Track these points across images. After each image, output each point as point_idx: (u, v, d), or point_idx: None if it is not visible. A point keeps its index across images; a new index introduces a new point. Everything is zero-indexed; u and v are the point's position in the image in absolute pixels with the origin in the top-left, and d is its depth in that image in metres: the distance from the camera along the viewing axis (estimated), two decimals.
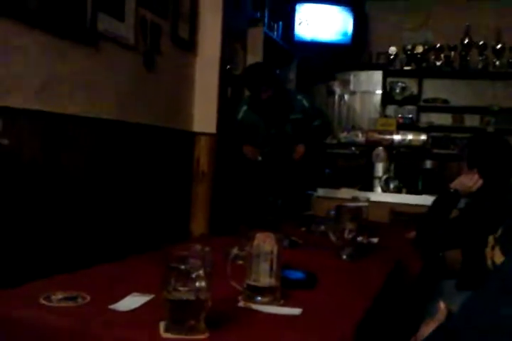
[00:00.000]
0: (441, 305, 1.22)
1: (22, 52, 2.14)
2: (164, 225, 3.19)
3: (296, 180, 3.69)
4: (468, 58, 5.55)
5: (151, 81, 3.06)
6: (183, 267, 1.07)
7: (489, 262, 2.04)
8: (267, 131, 3.63)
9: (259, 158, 3.60)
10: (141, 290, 1.33)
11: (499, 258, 1.99)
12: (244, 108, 3.65)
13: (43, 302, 1.22)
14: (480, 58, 5.50)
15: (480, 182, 2.27)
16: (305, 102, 3.68)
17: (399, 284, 1.98)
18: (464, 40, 5.54)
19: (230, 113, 3.68)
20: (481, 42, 5.47)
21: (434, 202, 2.35)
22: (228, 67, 3.76)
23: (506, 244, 1.99)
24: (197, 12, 3.52)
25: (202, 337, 1.07)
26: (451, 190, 2.30)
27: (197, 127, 3.56)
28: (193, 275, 1.07)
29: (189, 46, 3.47)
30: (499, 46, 5.43)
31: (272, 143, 3.65)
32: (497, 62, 5.47)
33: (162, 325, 1.09)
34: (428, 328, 1.17)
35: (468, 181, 2.28)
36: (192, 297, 1.07)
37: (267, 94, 3.45)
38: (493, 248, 2.01)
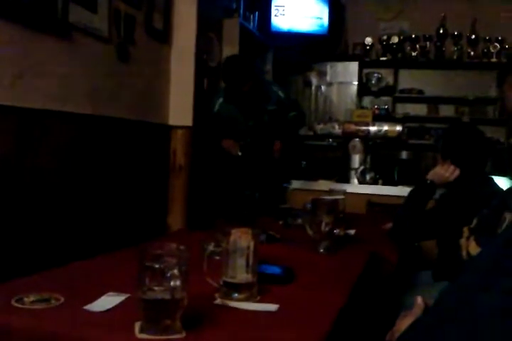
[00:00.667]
0: (418, 299, 1.23)
1: None
2: (141, 219, 3.16)
3: (272, 172, 3.69)
4: (444, 49, 5.59)
5: (125, 73, 3.02)
6: (157, 266, 1.06)
7: (464, 253, 2.05)
8: (245, 123, 3.61)
9: (239, 153, 3.58)
10: (117, 289, 1.31)
11: (474, 248, 2.01)
12: (220, 100, 3.62)
13: (16, 304, 1.19)
14: (455, 48, 5.54)
15: (456, 172, 2.28)
16: (280, 93, 3.68)
17: (376, 276, 1.99)
18: (439, 30, 5.57)
19: (207, 105, 3.66)
20: (455, 33, 5.51)
21: (410, 193, 2.36)
22: (205, 56, 3.73)
23: (481, 235, 2.01)
24: (171, 2, 3.48)
25: (178, 336, 1.06)
26: (428, 181, 2.32)
27: (173, 120, 3.52)
28: (168, 274, 1.06)
29: (164, 37, 3.43)
30: (473, 36, 5.47)
31: (251, 135, 3.64)
32: (472, 53, 5.51)
33: (137, 326, 1.08)
34: (405, 322, 1.18)
35: (444, 172, 2.29)
36: (167, 296, 1.05)
37: (247, 86, 3.43)
38: (468, 239, 2.03)
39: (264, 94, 3.60)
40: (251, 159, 3.63)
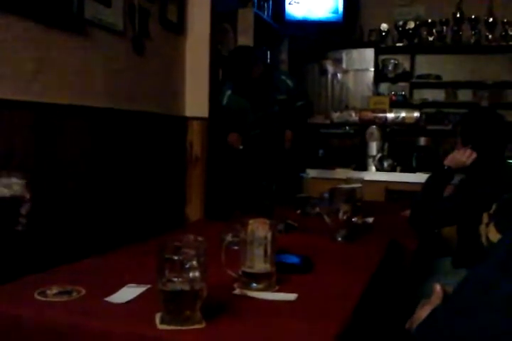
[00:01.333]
0: (437, 287, 1.22)
1: (8, 42, 2.11)
2: (160, 210, 3.19)
3: (288, 162, 3.68)
4: (461, 33, 5.52)
5: (141, 66, 3.03)
6: (176, 258, 1.07)
7: (484, 239, 2.04)
8: (254, 114, 3.61)
9: (241, 147, 3.58)
10: (137, 280, 1.33)
11: (494, 235, 2.00)
12: (229, 92, 3.61)
13: (38, 297, 1.22)
14: (472, 32, 5.47)
15: (473, 156, 2.26)
16: (289, 82, 3.65)
17: (395, 263, 1.99)
18: (456, 14, 5.50)
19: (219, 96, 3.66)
20: (472, 16, 5.43)
21: (428, 179, 2.35)
22: (219, 47, 3.73)
23: (501, 221, 1.99)
24: None
25: (198, 327, 1.08)
26: (445, 167, 2.30)
27: (189, 112, 3.53)
28: (187, 266, 1.08)
29: (178, 29, 3.43)
30: (491, 20, 5.39)
31: (261, 126, 3.64)
32: (489, 36, 5.44)
33: (158, 317, 1.09)
34: (424, 311, 1.18)
35: (461, 156, 2.27)
36: (186, 287, 1.07)
37: (256, 72, 3.43)
38: (487, 225, 2.02)
39: (273, 84, 3.59)
40: (260, 150, 3.63)
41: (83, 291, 1.25)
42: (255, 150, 3.63)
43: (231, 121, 3.64)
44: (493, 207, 2.03)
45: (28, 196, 1.24)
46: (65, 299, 1.21)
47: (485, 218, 2.10)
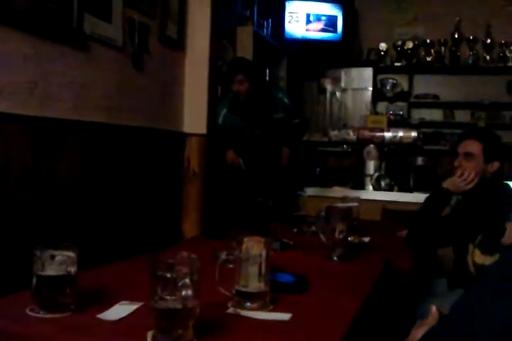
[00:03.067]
0: (433, 308, 1.22)
1: (7, 55, 2.12)
2: (156, 226, 3.18)
3: (285, 180, 3.68)
4: (459, 53, 5.56)
5: (140, 82, 3.04)
6: (169, 275, 1.06)
7: (471, 268, 2.05)
8: (250, 133, 3.61)
9: (243, 168, 3.60)
10: (130, 297, 1.32)
11: (479, 257, 2.01)
12: (224, 111, 3.62)
13: (30, 313, 1.20)
14: (470, 53, 5.51)
15: (473, 183, 2.25)
16: (286, 100, 3.66)
17: (390, 284, 1.98)
18: (454, 35, 5.54)
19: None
20: (471, 37, 5.48)
21: (426, 200, 2.34)
22: (219, 63, 3.74)
23: (484, 244, 2.00)
24: (185, 11, 3.50)
25: None
26: (444, 189, 2.29)
27: (187, 127, 3.54)
28: (180, 284, 1.06)
29: (178, 45, 3.45)
30: (489, 41, 5.43)
31: (257, 145, 3.64)
32: (487, 57, 5.48)
33: (150, 335, 1.08)
34: (419, 332, 1.17)
35: (460, 182, 2.26)
36: (179, 305, 1.06)
37: (242, 86, 3.45)
38: (472, 253, 2.03)
39: (270, 102, 3.60)
40: (258, 168, 3.63)
41: (74, 308, 1.24)
42: (252, 167, 3.62)
43: (227, 140, 3.64)
44: (479, 237, 2.04)
45: (75, 270, 1.25)
46: (57, 315, 1.20)
47: (470, 248, 2.11)
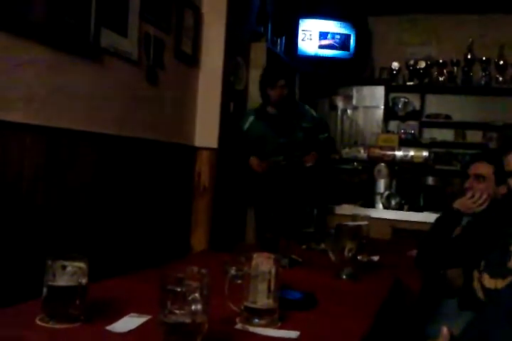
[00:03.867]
0: (445, 329, 1.21)
1: (24, 67, 2.14)
2: (165, 240, 3.18)
3: (298, 195, 3.67)
4: (471, 74, 5.56)
5: (153, 96, 3.07)
6: (179, 289, 1.07)
7: (479, 293, 2.03)
8: (276, 141, 3.62)
9: (271, 165, 3.59)
10: (139, 309, 1.32)
11: (488, 281, 1.99)
12: (251, 118, 3.68)
13: (39, 323, 1.21)
14: (483, 74, 5.51)
15: (485, 205, 2.24)
16: (313, 112, 3.76)
17: (399, 303, 1.97)
18: (467, 55, 5.55)
19: (232, 127, 3.69)
20: (483, 58, 5.49)
21: (436, 220, 2.33)
22: (232, 79, 3.77)
23: (491, 268, 1.98)
24: (200, 27, 3.54)
25: None
26: (454, 209, 2.28)
27: (198, 142, 3.56)
28: (189, 298, 1.07)
29: (192, 61, 3.48)
30: (502, 62, 5.44)
31: (283, 153, 3.64)
32: (500, 78, 5.48)
33: None
34: None
35: (472, 204, 2.25)
36: (188, 320, 1.06)
37: (284, 91, 3.51)
38: (479, 279, 2.02)
39: (298, 111, 3.66)
40: (280, 178, 3.62)
41: (84, 319, 1.24)
42: (275, 177, 3.62)
43: (250, 146, 3.65)
44: (482, 263, 2.03)
45: (85, 281, 1.26)
46: (66, 326, 1.20)
47: (475, 274, 2.09)
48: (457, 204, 2.27)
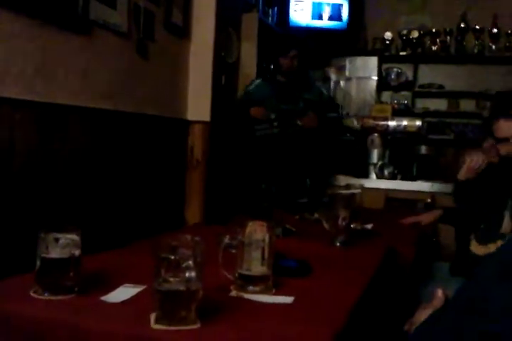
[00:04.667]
0: (439, 292, 1.24)
1: (11, 41, 2.11)
2: (159, 214, 3.18)
3: (295, 165, 3.67)
4: (465, 43, 5.52)
5: (144, 69, 3.04)
6: (172, 257, 1.07)
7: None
8: (276, 107, 3.63)
9: (272, 116, 3.61)
10: (133, 280, 1.33)
11: (476, 247, 2.01)
12: (258, 81, 3.77)
13: (33, 295, 1.22)
14: (476, 43, 5.47)
15: (486, 161, 2.19)
16: (323, 90, 3.89)
17: (393, 270, 1.99)
18: (460, 24, 5.50)
19: (224, 100, 3.67)
20: (477, 27, 5.44)
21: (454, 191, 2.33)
22: (222, 54, 3.74)
23: (483, 235, 2.00)
24: None
25: (193, 327, 1.07)
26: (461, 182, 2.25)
27: (191, 115, 3.53)
28: (183, 266, 1.07)
29: (183, 33, 3.44)
30: (495, 31, 5.40)
31: (281, 124, 3.65)
32: (493, 47, 5.44)
33: (153, 317, 1.09)
34: (424, 314, 1.19)
35: (473, 167, 2.20)
36: (182, 287, 1.07)
37: (292, 62, 3.60)
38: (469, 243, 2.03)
39: (304, 82, 3.73)
40: (276, 152, 3.64)
41: (79, 290, 1.24)
42: (270, 151, 3.63)
43: (250, 105, 3.69)
44: (482, 226, 2.04)
45: (79, 253, 1.26)
46: (60, 297, 1.21)
47: (472, 237, 2.11)
48: (461, 176, 2.24)
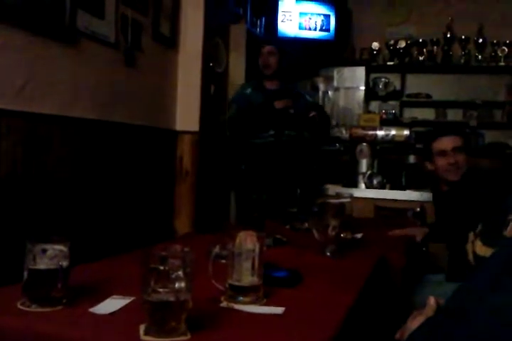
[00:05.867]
0: (431, 299, 1.23)
1: None
2: (148, 224, 3.17)
3: (285, 175, 3.67)
4: (451, 53, 5.57)
5: (132, 79, 3.03)
6: (162, 268, 1.06)
7: (471, 256, 2.05)
8: (271, 108, 3.65)
9: (291, 111, 3.60)
10: (122, 291, 1.31)
11: (480, 248, 2.01)
12: (249, 90, 3.73)
13: (21, 307, 1.20)
14: (462, 53, 5.52)
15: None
16: (308, 97, 3.90)
17: (383, 279, 1.98)
18: (447, 34, 5.55)
19: (213, 111, 3.66)
20: (463, 37, 5.49)
21: None
22: (211, 64, 3.74)
23: (486, 235, 2.01)
24: (179, 8, 3.49)
25: (183, 338, 1.06)
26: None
27: (180, 125, 3.53)
28: (173, 276, 1.06)
29: (171, 43, 3.44)
30: (481, 40, 5.45)
31: (276, 128, 3.67)
32: (479, 57, 5.49)
33: (142, 328, 1.07)
34: (416, 322, 1.18)
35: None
36: (172, 298, 1.05)
37: (272, 58, 3.61)
38: (473, 242, 2.04)
39: (291, 94, 3.72)
40: (270, 160, 3.64)
41: (67, 301, 1.23)
42: (262, 160, 3.63)
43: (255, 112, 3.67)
44: (479, 226, 2.05)
45: (67, 264, 1.24)
46: (48, 309, 1.19)
47: (471, 237, 2.11)
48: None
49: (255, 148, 3.65)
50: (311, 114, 3.61)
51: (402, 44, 5.65)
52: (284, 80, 3.77)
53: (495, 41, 5.40)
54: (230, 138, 3.72)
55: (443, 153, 2.46)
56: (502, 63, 5.37)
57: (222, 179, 3.78)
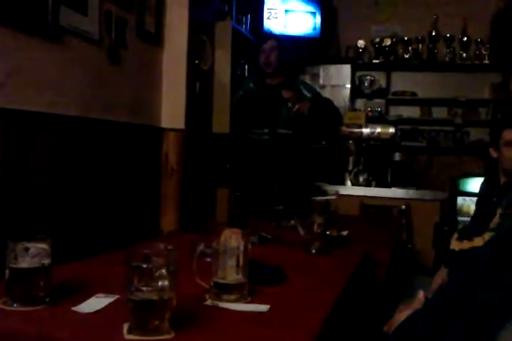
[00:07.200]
0: (420, 293, 1.24)
1: None
2: (133, 222, 3.14)
3: (272, 173, 3.67)
4: (436, 51, 5.60)
5: (116, 76, 3.00)
6: (145, 266, 1.05)
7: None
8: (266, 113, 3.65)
9: (290, 105, 3.60)
10: (106, 290, 1.30)
11: (455, 242, 2.03)
12: (250, 85, 3.76)
13: (2, 306, 1.18)
14: (447, 51, 5.55)
15: None
16: (306, 92, 3.81)
17: (368, 276, 1.99)
18: (432, 32, 5.58)
19: (199, 108, 3.65)
20: (448, 35, 5.52)
21: None
22: (196, 61, 3.72)
23: (464, 230, 2.03)
24: (163, 5, 3.47)
25: (167, 337, 1.05)
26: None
27: (165, 123, 3.50)
28: (156, 274, 1.05)
29: (156, 40, 3.42)
30: (465, 39, 5.48)
31: (271, 127, 3.66)
32: (464, 55, 5.53)
33: (126, 327, 1.06)
34: (403, 314, 1.19)
35: None
36: (155, 297, 1.05)
37: (269, 55, 3.61)
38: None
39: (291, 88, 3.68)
40: (265, 157, 3.65)
41: (50, 300, 1.21)
42: (254, 157, 3.63)
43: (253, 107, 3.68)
44: (460, 226, 2.08)
45: (49, 262, 1.23)
46: (31, 308, 1.18)
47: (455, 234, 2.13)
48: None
49: (250, 144, 3.64)
50: (295, 108, 3.57)
51: (388, 42, 5.67)
52: (286, 75, 3.77)
53: (479, 39, 5.44)
54: (231, 127, 3.70)
55: (511, 143, 2.37)
56: (486, 61, 5.41)
57: (208, 177, 3.76)
